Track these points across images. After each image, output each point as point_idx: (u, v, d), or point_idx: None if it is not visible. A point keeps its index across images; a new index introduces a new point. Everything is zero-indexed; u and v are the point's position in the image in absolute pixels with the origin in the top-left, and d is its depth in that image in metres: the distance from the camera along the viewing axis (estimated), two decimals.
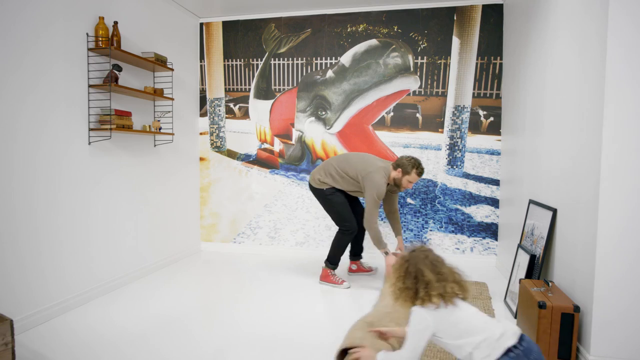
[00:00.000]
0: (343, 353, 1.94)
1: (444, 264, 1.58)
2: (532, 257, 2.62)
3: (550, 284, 2.30)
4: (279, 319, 2.69)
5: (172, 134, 3.85)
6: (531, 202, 2.93)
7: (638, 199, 1.92)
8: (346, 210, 3.36)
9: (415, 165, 3.15)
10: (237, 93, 4.54)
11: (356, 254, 3.73)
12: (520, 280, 2.49)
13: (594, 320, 1.98)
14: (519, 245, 2.94)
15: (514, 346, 1.47)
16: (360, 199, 3.68)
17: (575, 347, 2.07)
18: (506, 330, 1.50)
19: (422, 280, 1.54)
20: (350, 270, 3.71)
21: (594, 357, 1.98)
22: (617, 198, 1.93)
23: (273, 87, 4.44)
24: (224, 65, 4.53)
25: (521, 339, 1.49)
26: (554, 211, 2.50)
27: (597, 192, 1.97)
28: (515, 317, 2.61)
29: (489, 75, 3.99)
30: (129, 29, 3.34)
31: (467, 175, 4.09)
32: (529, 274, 2.62)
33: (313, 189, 3.45)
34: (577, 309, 2.06)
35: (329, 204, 3.40)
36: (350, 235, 3.39)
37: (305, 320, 2.68)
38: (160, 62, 3.47)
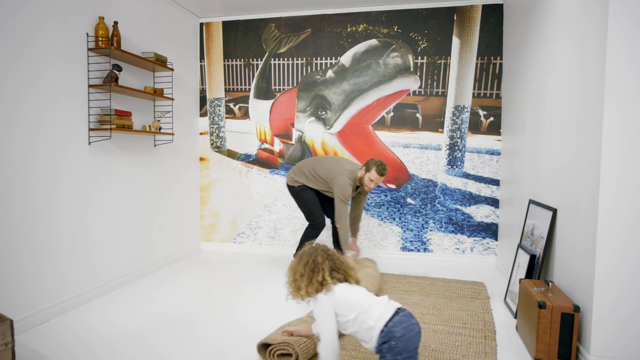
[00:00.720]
0: (265, 347, 2.14)
1: (321, 255, 1.79)
2: (532, 257, 2.62)
3: (550, 284, 2.31)
4: (279, 319, 2.69)
5: (172, 134, 3.85)
6: (531, 202, 2.93)
7: (638, 199, 1.92)
8: (314, 206, 3.56)
9: (377, 164, 3.26)
10: (237, 93, 4.54)
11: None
12: (520, 280, 2.49)
13: (594, 320, 1.98)
14: (519, 245, 2.94)
15: (400, 309, 1.68)
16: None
17: (575, 347, 2.07)
18: (388, 299, 1.72)
19: (301, 272, 1.77)
20: None
21: (594, 357, 1.98)
22: (617, 198, 1.93)
23: (273, 87, 4.44)
24: (224, 65, 4.53)
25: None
26: (554, 211, 2.50)
27: (597, 192, 1.97)
28: (515, 317, 2.61)
29: (489, 75, 3.99)
30: (129, 29, 3.34)
31: (467, 175, 4.09)
32: (529, 274, 2.62)
33: (288, 187, 3.66)
34: (577, 309, 2.05)
35: (299, 200, 3.61)
36: (317, 230, 3.58)
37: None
38: (160, 62, 3.47)
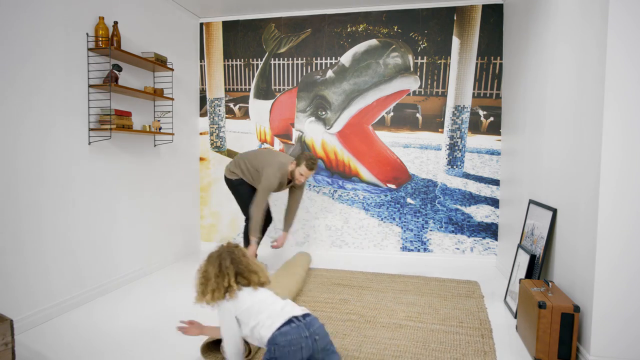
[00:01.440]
0: (210, 346, 2.16)
1: (227, 259, 1.81)
2: (532, 257, 2.62)
3: (550, 284, 2.31)
4: None
5: (172, 134, 3.85)
6: (531, 202, 2.94)
7: (638, 198, 1.92)
8: (250, 200, 3.54)
9: (307, 158, 3.34)
10: (237, 93, 4.54)
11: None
12: (520, 280, 2.50)
13: (594, 321, 1.98)
14: (519, 245, 2.94)
15: (297, 318, 1.70)
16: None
17: (575, 347, 2.08)
18: (291, 305, 1.76)
19: (207, 277, 1.79)
20: None
21: (594, 357, 1.99)
22: (617, 198, 1.93)
23: (273, 87, 4.44)
24: (224, 65, 4.53)
25: (306, 315, 1.74)
26: (554, 211, 2.50)
27: (597, 191, 1.97)
28: (515, 317, 2.62)
29: (489, 75, 3.99)
30: (129, 29, 3.34)
31: (467, 175, 4.09)
32: (529, 274, 2.62)
33: (226, 179, 3.68)
34: (577, 309, 2.05)
35: (237, 194, 3.66)
36: None
37: None
38: (160, 62, 3.47)
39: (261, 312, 1.73)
